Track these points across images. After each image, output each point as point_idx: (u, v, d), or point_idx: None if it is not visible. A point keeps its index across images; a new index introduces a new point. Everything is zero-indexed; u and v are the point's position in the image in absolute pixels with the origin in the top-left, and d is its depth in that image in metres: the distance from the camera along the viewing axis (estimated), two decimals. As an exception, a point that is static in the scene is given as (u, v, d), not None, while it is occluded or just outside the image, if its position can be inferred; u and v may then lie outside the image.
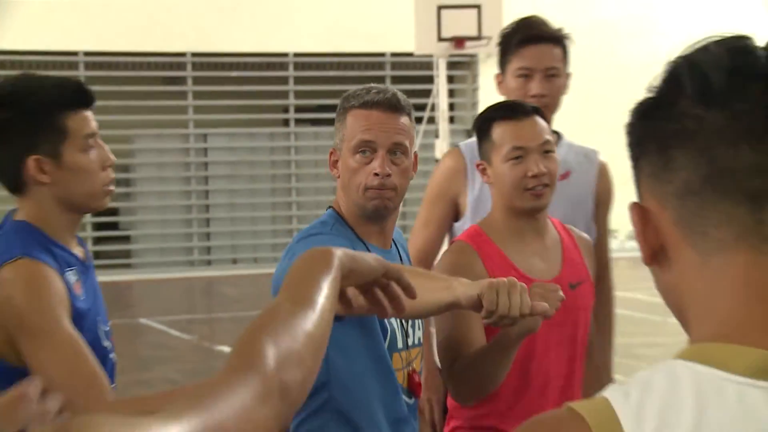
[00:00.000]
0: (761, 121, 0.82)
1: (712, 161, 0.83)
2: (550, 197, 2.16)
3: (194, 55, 12.21)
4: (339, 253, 1.07)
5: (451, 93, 10.76)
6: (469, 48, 8.40)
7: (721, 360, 0.83)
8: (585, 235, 2.32)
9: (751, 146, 0.81)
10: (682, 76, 0.84)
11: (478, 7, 7.59)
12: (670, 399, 0.84)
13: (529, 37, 2.56)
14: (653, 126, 0.88)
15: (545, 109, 2.36)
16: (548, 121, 2.40)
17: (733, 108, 0.82)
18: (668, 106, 0.85)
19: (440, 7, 6.75)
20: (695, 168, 0.84)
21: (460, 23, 7.80)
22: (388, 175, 1.85)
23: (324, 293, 1.02)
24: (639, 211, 0.87)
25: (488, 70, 11.01)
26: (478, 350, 2.01)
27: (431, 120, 8.56)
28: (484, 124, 2.17)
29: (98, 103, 1.93)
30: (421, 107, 8.05)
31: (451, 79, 10.27)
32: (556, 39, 2.59)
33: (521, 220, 2.16)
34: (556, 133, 2.62)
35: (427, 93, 8.90)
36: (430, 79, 9.29)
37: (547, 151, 2.13)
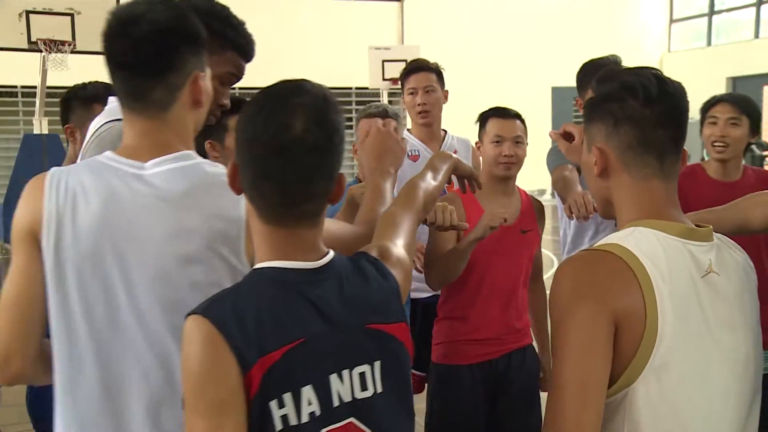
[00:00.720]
0: (667, 116, 1.45)
1: (643, 133, 1.44)
2: (516, 171, 2.76)
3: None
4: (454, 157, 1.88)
5: (401, 114, 14.26)
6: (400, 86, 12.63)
7: (661, 228, 1.43)
8: (538, 199, 2.92)
9: (662, 128, 1.45)
10: (635, 85, 1.45)
11: (405, 60, 11.72)
12: (654, 246, 1.41)
13: (411, 68, 3.44)
14: (611, 107, 1.48)
15: (428, 114, 3.35)
16: (435, 121, 3.42)
17: (657, 108, 1.43)
18: (622, 99, 1.46)
19: (384, 60, 10.84)
20: (633, 135, 1.46)
21: (395, 69, 12.13)
22: None
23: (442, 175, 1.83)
24: (597, 149, 1.50)
25: None
26: (446, 251, 2.59)
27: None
28: (483, 119, 2.82)
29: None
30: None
31: (389, 103, 14.11)
32: (430, 68, 3.41)
33: (496, 183, 2.75)
34: (445, 131, 3.54)
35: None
36: None
37: (518, 142, 2.74)
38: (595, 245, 1.48)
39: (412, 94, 3.40)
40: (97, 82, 2.65)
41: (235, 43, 1.83)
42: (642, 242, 1.43)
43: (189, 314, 1.22)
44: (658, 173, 1.50)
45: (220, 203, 1.46)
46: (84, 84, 2.68)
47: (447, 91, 3.46)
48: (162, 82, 1.48)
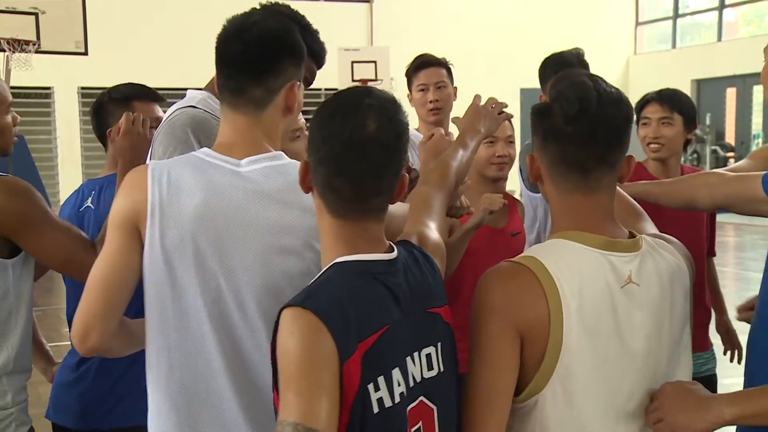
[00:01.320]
0: (589, 135, 1.48)
1: (564, 151, 1.50)
2: (508, 171, 2.72)
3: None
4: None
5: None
6: (369, 84, 12.85)
7: (582, 240, 1.49)
8: (521, 201, 2.96)
9: (584, 147, 1.48)
10: (555, 105, 1.49)
11: (374, 62, 12.23)
12: (571, 259, 1.46)
13: (420, 63, 3.25)
14: (541, 122, 1.53)
15: (440, 111, 3.16)
16: (446, 118, 3.19)
17: (578, 127, 1.47)
18: (548, 116, 1.51)
19: (353, 62, 10.90)
20: (555, 153, 1.51)
21: (364, 70, 12.33)
22: None
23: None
24: (531, 158, 1.56)
25: None
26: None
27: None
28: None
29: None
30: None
31: None
32: (440, 63, 3.26)
33: (486, 185, 2.70)
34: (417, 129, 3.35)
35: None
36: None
37: (510, 142, 2.72)
38: (516, 257, 1.53)
39: (422, 90, 3.22)
40: (127, 83, 2.65)
41: (312, 49, 1.95)
42: (560, 255, 1.49)
43: (286, 307, 1.31)
44: (581, 187, 1.53)
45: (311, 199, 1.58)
46: (115, 86, 2.65)
47: (456, 88, 3.33)
48: (261, 83, 1.63)
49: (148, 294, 1.59)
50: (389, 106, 1.40)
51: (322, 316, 1.28)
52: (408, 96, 3.32)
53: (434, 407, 1.45)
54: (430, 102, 3.17)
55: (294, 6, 2.16)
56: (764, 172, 1.93)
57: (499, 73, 15.36)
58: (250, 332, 1.58)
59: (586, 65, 3.10)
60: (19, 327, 2.10)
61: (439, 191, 1.76)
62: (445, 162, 1.86)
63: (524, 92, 16.68)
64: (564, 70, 1.74)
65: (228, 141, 1.65)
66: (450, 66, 3.33)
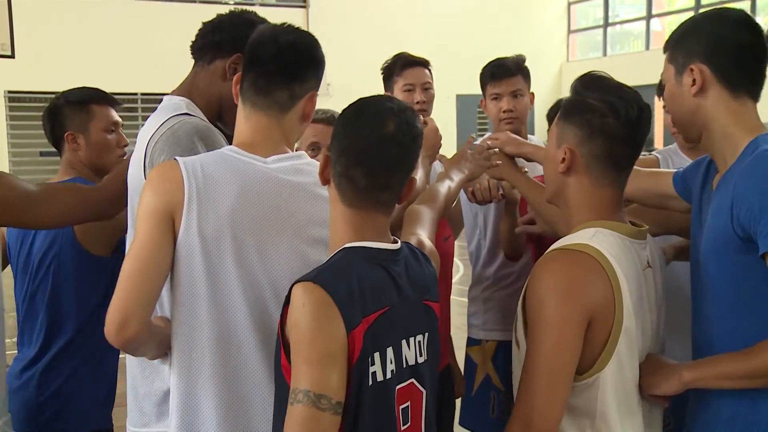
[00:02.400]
0: (634, 137, 1.67)
1: (611, 148, 1.67)
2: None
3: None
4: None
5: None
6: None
7: (616, 229, 1.68)
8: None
9: (628, 147, 1.68)
10: (620, 107, 1.64)
11: None
12: (615, 246, 1.64)
13: (405, 62, 3.02)
14: (590, 118, 1.67)
15: (424, 113, 2.89)
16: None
17: (629, 130, 1.66)
18: (604, 115, 1.65)
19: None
20: (603, 148, 1.67)
21: None
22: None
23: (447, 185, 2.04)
24: (568, 150, 1.69)
25: (319, 106, 14.54)
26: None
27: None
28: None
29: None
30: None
31: None
32: (423, 63, 3.06)
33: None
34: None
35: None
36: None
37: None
38: (565, 245, 1.67)
39: (409, 90, 3.05)
40: (82, 87, 2.63)
41: None
42: (605, 243, 1.64)
43: (297, 282, 1.44)
44: (614, 182, 1.71)
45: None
46: (71, 90, 2.61)
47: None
48: (287, 87, 1.73)
49: (181, 282, 1.64)
50: (408, 111, 1.57)
51: (330, 290, 1.42)
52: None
53: (423, 391, 1.58)
54: (417, 103, 3.03)
55: (230, 9, 2.16)
56: (675, 170, 2.09)
57: (436, 80, 15.31)
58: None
59: (526, 71, 3.13)
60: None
61: (431, 210, 1.91)
62: (434, 188, 2.04)
63: (460, 98, 16.86)
64: (586, 74, 1.82)
65: (249, 140, 1.74)
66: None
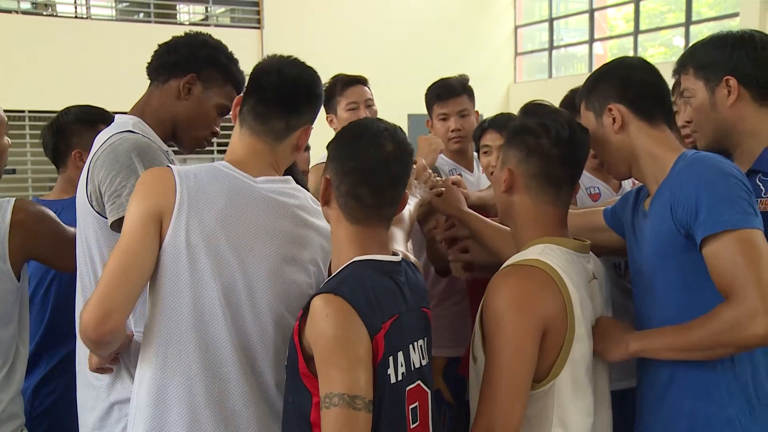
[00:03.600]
0: (570, 158, 1.74)
1: (547, 168, 1.75)
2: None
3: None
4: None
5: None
6: None
7: (562, 244, 1.77)
8: None
9: (564, 167, 1.77)
10: (551, 127, 1.73)
11: None
12: (563, 260, 1.71)
13: (348, 81, 3.17)
14: (527, 139, 1.76)
15: None
16: None
17: (563, 150, 1.72)
18: (538, 136, 1.74)
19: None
20: (539, 168, 1.75)
21: None
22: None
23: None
24: (508, 170, 1.78)
25: None
26: None
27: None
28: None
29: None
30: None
31: None
32: (365, 81, 3.27)
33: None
34: None
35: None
36: (214, 134, 12.31)
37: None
38: (518, 261, 1.74)
39: (353, 109, 3.10)
40: (87, 105, 2.65)
41: (235, 78, 2.14)
42: (554, 257, 1.72)
43: (317, 295, 1.52)
44: (554, 201, 1.80)
45: (324, 224, 1.77)
46: (79, 108, 2.63)
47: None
48: (285, 118, 1.77)
49: (164, 285, 1.66)
50: (399, 131, 1.66)
51: (350, 299, 1.50)
52: (328, 118, 3.18)
53: (428, 391, 1.67)
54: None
55: (186, 30, 2.17)
56: (605, 207, 2.24)
57: (388, 99, 15.38)
58: (260, 330, 1.69)
59: (470, 91, 3.16)
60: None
61: (401, 230, 1.98)
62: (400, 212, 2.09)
63: (411, 117, 16.91)
64: (528, 103, 2.07)
65: (240, 159, 1.77)
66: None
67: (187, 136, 2.05)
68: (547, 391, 1.69)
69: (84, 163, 2.51)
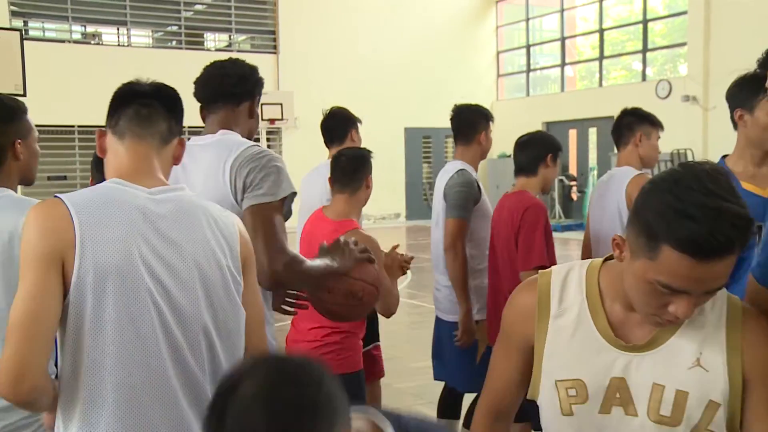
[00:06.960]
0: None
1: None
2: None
3: None
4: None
5: (268, 146, 13.80)
6: (277, 124, 12.93)
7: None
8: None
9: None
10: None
11: (281, 104, 12.11)
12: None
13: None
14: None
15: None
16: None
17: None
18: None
19: (262, 104, 10.77)
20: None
21: (272, 111, 12.24)
22: None
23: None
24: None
25: (288, 137, 14.29)
26: None
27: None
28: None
29: None
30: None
31: (268, 139, 14.34)
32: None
33: None
34: None
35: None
36: (257, 140, 12.61)
37: None
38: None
39: None
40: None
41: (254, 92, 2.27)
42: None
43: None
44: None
45: (228, 225, 1.53)
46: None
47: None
48: (166, 120, 1.54)
49: (82, 325, 1.35)
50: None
51: None
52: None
53: None
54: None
55: (213, 56, 2.20)
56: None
57: (386, 114, 15.50)
58: (191, 351, 1.43)
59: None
60: None
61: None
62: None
63: (408, 130, 16.96)
64: None
65: (128, 170, 1.49)
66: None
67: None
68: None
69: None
